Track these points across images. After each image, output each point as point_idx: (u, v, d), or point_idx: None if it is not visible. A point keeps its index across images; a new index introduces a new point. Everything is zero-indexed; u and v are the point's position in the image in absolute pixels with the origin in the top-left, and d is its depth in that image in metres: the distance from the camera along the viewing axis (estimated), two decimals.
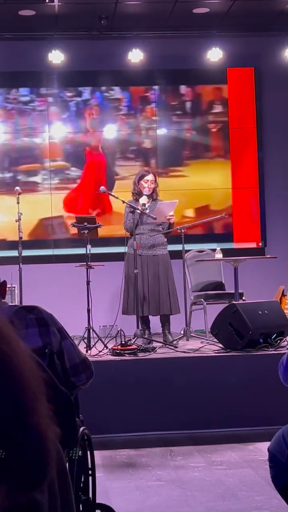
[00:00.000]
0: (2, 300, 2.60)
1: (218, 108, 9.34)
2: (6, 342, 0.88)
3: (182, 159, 9.32)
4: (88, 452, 2.89)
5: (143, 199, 6.82)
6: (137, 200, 6.91)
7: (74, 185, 9.21)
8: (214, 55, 8.81)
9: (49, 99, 9.15)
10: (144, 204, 6.75)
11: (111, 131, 9.27)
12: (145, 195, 6.87)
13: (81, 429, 2.76)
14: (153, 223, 6.85)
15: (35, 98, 9.12)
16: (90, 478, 2.91)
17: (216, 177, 9.32)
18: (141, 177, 6.96)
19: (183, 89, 9.33)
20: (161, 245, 6.93)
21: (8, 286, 2.77)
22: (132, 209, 6.70)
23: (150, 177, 6.96)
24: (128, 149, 9.28)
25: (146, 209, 6.73)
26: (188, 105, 9.34)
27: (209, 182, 9.28)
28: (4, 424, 0.80)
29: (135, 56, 8.75)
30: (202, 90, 9.33)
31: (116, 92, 9.27)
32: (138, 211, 6.72)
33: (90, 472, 2.92)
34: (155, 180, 7.03)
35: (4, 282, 2.65)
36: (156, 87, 9.28)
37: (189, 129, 9.34)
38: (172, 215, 6.88)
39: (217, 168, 9.34)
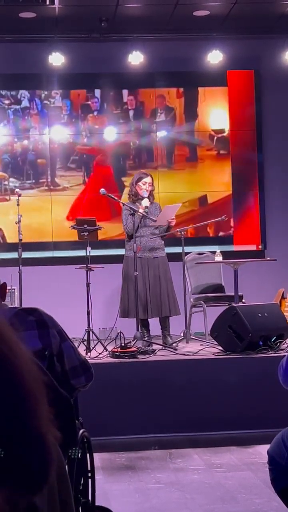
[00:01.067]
0: (2, 302, 2.60)
1: (161, 117, 9.24)
2: (6, 343, 0.87)
3: (127, 169, 9.19)
4: (88, 455, 2.89)
5: (145, 202, 6.84)
6: (134, 202, 6.94)
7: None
8: (215, 57, 8.82)
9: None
10: (147, 207, 6.78)
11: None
12: (145, 197, 6.88)
13: (81, 431, 2.76)
14: (153, 225, 6.88)
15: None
16: (90, 480, 2.91)
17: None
18: (139, 179, 6.97)
19: (125, 95, 9.21)
20: (160, 248, 6.96)
21: (7, 288, 2.77)
22: (132, 212, 6.71)
23: (148, 179, 6.97)
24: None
25: (148, 211, 6.77)
26: (131, 113, 9.21)
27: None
28: (4, 426, 0.80)
29: (136, 58, 8.75)
30: (144, 97, 9.21)
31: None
32: (140, 214, 6.74)
33: (89, 474, 2.91)
34: (153, 183, 7.05)
35: (4, 284, 2.65)
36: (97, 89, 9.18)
37: (135, 136, 9.22)
38: (173, 218, 6.91)
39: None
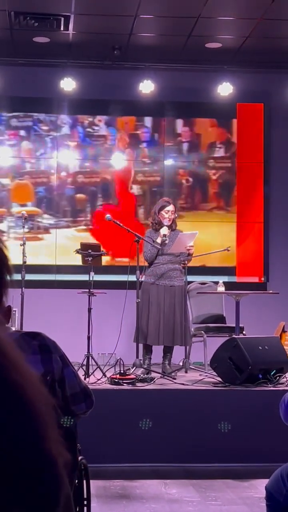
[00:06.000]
0: (6, 326, 2.60)
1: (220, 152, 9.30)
2: (16, 369, 0.87)
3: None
4: (84, 482, 2.87)
5: (164, 230, 6.87)
6: (156, 230, 6.96)
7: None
8: (225, 89, 8.88)
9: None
10: (165, 235, 6.81)
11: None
12: (165, 225, 6.90)
13: (79, 458, 2.74)
14: (172, 253, 6.89)
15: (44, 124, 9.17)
16: (85, 508, 2.89)
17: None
18: (162, 208, 7.00)
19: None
20: (178, 276, 6.95)
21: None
22: (151, 239, 6.79)
23: (170, 207, 7.00)
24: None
25: (166, 239, 6.78)
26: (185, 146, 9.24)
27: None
28: (15, 449, 0.79)
29: (146, 87, 8.81)
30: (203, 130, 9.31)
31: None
32: (158, 242, 6.78)
33: (85, 502, 2.89)
34: (175, 211, 7.08)
35: (9, 307, 2.64)
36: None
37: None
38: (191, 246, 6.91)
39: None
